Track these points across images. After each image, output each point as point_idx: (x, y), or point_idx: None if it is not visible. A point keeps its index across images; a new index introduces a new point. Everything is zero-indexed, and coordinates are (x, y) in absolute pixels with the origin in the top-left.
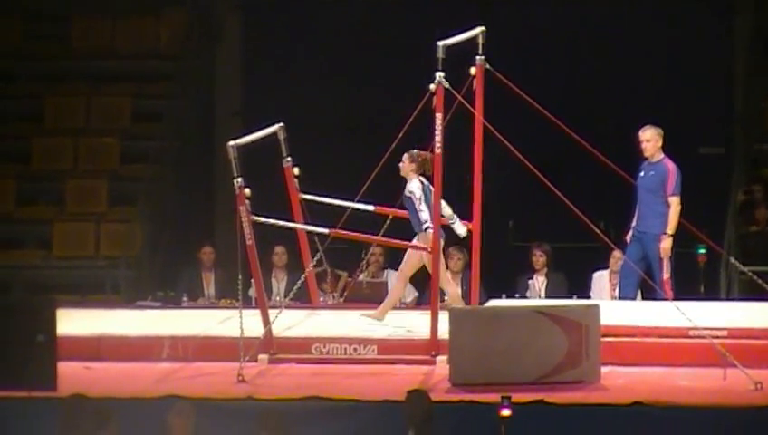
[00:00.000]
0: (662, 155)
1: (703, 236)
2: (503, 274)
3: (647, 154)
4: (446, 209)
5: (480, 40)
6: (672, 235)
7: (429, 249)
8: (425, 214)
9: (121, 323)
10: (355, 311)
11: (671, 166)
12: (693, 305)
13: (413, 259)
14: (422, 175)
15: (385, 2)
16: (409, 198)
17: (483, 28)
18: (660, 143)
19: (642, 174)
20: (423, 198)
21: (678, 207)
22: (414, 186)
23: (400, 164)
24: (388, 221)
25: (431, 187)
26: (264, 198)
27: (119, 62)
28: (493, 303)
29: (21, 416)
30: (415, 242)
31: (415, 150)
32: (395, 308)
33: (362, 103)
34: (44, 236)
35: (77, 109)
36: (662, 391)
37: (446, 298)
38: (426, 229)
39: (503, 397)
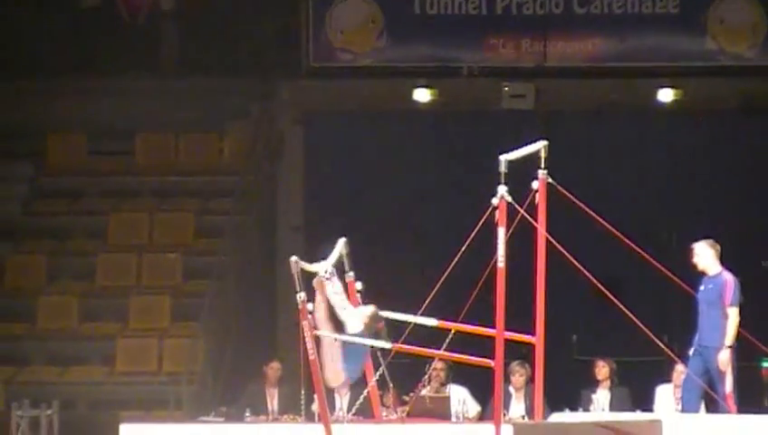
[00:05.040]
0: (719, 268)
1: (767, 349)
2: (566, 388)
3: (699, 268)
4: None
5: (543, 154)
6: (731, 347)
7: (492, 364)
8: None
9: None
10: (418, 426)
11: (729, 277)
12: (757, 419)
13: None
14: None
15: (448, 115)
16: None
17: (546, 142)
18: (712, 255)
19: (702, 287)
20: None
21: (737, 319)
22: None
23: None
24: (450, 335)
25: None
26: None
27: (181, 178)
28: (556, 417)
29: None
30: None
31: None
32: (458, 421)
33: (425, 217)
34: (108, 353)
35: (141, 225)
36: None
37: (507, 414)
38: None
39: None
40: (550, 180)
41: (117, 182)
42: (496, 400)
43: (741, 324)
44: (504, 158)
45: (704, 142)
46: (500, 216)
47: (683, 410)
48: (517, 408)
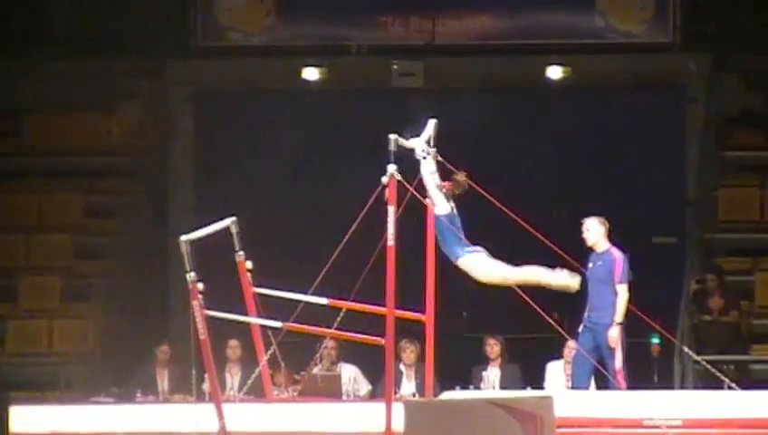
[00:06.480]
0: (607, 245)
1: (656, 325)
2: (456, 365)
3: (588, 244)
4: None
5: (432, 132)
6: (621, 323)
7: (383, 342)
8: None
9: (74, 419)
10: (309, 404)
11: (617, 254)
12: (647, 395)
13: None
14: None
15: (338, 93)
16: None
17: (435, 120)
18: (602, 233)
19: (591, 265)
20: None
21: (626, 296)
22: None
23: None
24: (341, 314)
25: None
26: (218, 293)
27: (71, 158)
28: (447, 395)
29: None
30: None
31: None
32: (349, 400)
33: (316, 196)
34: None
35: (29, 206)
36: None
37: (398, 392)
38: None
39: None
40: (439, 158)
41: (5, 163)
42: (387, 378)
43: (630, 301)
44: (393, 136)
45: (593, 119)
46: (390, 194)
47: (573, 387)
48: (408, 386)
